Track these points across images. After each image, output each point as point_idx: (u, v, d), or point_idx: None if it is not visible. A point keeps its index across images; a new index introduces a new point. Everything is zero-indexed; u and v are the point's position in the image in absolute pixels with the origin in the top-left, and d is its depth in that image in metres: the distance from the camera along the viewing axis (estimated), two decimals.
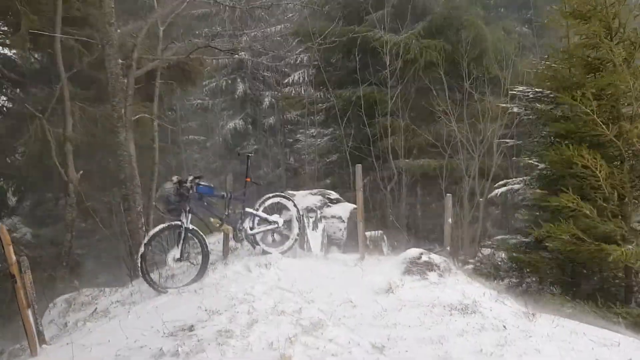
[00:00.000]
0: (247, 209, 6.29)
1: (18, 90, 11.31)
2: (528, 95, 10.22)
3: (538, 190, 8.34)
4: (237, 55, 12.03)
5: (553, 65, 8.34)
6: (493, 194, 11.37)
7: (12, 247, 5.07)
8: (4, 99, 11.19)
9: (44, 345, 5.03)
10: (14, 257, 5.00)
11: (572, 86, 7.42)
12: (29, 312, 5.00)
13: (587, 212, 6.62)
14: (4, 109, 11.68)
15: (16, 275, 4.96)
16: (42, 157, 10.02)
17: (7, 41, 10.37)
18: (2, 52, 10.59)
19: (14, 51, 11.12)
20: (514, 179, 10.43)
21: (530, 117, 10.37)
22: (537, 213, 8.55)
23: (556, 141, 7.83)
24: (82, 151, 10.23)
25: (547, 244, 7.25)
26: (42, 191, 12.10)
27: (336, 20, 14.20)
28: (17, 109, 10.98)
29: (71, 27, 9.42)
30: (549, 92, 9.02)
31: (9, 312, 7.82)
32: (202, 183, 5.94)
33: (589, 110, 6.71)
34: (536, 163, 8.64)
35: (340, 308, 4.64)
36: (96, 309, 6.07)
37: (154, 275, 6.09)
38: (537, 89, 9.76)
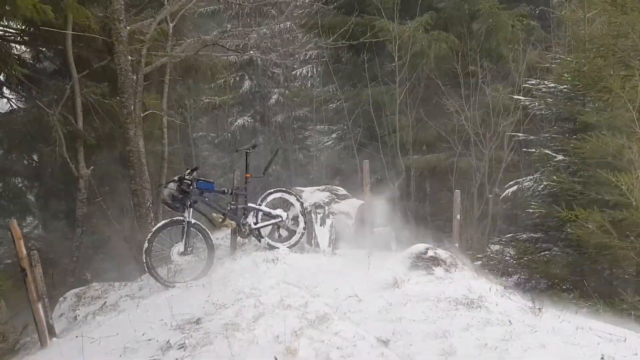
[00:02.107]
0: (250, 204, 6.36)
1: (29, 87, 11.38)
2: (541, 89, 10.18)
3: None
4: (245, 54, 12.05)
5: (580, 59, 8.19)
6: (504, 194, 11.33)
7: (22, 242, 5.17)
8: (15, 96, 11.27)
9: (54, 339, 5.13)
10: (24, 251, 5.09)
11: (603, 79, 7.26)
12: (40, 306, 5.09)
13: (634, 202, 6.24)
14: (15, 106, 11.77)
15: (27, 269, 5.05)
16: (53, 153, 10.12)
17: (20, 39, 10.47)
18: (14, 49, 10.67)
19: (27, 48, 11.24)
20: (524, 178, 10.38)
21: (543, 111, 10.31)
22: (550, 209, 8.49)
23: (580, 133, 7.66)
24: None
25: (569, 230, 7.01)
26: (54, 186, 12.19)
27: (344, 13, 14.14)
28: (29, 105, 11.06)
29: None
30: (564, 86, 8.96)
31: (20, 306, 7.93)
32: (202, 179, 6.07)
33: (630, 107, 6.51)
34: (553, 154, 8.53)
35: (346, 302, 4.66)
36: (105, 302, 6.16)
37: (163, 270, 6.17)
38: (551, 84, 9.71)
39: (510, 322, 4.21)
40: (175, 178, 5.98)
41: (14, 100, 11.44)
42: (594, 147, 6.95)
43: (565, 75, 8.63)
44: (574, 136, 8.18)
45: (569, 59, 9.57)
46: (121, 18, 8.04)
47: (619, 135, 6.68)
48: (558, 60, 10.41)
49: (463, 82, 13.22)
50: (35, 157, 11.75)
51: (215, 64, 11.81)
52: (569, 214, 6.73)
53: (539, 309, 4.61)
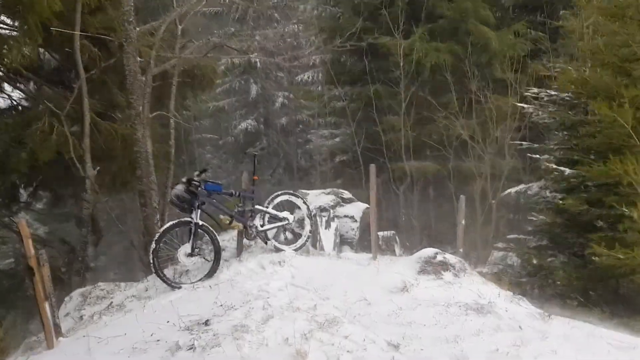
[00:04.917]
0: (257, 206, 6.36)
1: (32, 86, 11.30)
2: (542, 98, 10.17)
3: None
4: (251, 56, 12.06)
5: (582, 68, 8.18)
6: (505, 193, 11.34)
7: (30, 240, 5.15)
8: (20, 96, 11.20)
9: (60, 338, 5.09)
10: (32, 251, 5.06)
11: (605, 91, 7.25)
12: (47, 305, 5.05)
13: None
14: (19, 106, 11.71)
15: (34, 269, 5.03)
16: (58, 154, 10.08)
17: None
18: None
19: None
20: (530, 184, 10.38)
21: (546, 120, 10.29)
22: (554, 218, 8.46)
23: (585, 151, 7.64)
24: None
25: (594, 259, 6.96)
26: (58, 187, 12.17)
27: (348, 18, 14.26)
28: (32, 106, 11.01)
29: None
30: (566, 95, 8.95)
31: (26, 305, 7.92)
32: (210, 181, 6.07)
33: (624, 123, 6.46)
34: (562, 169, 8.47)
35: (356, 306, 4.65)
36: (112, 302, 6.13)
37: (169, 271, 6.16)
38: (553, 92, 9.70)
39: (520, 327, 4.20)
40: (184, 179, 5.99)
41: (16, 99, 11.34)
42: (600, 172, 6.87)
43: (568, 83, 8.62)
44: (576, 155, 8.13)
45: (569, 67, 9.58)
46: (130, 19, 8.06)
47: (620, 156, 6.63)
48: (558, 70, 10.43)
49: (463, 90, 13.31)
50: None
51: (214, 68, 11.70)
52: (594, 239, 6.62)
53: (548, 315, 4.61)
